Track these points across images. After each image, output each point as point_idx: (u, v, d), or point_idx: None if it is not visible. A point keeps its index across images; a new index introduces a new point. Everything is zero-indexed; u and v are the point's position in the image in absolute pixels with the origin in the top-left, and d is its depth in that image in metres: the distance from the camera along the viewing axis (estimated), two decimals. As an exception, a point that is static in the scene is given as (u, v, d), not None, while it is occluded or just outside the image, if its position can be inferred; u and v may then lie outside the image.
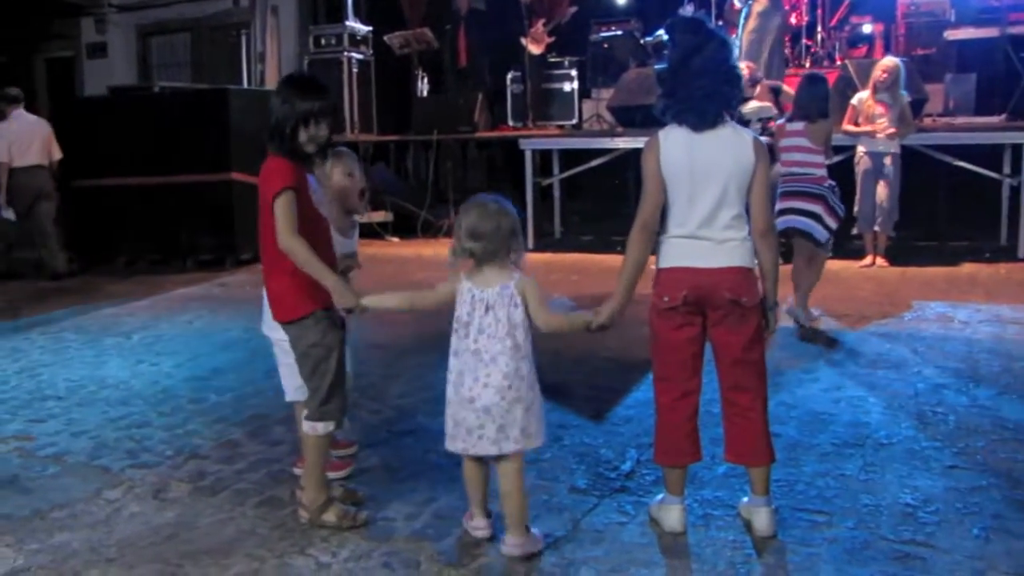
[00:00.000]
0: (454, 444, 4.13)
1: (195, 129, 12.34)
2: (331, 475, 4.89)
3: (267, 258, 4.40)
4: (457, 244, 4.09)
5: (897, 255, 11.20)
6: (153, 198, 12.57)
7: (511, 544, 4.13)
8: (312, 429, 4.46)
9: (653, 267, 4.29)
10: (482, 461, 4.19)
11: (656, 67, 4.24)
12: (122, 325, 9.14)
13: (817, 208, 7.99)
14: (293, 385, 4.79)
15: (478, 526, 4.30)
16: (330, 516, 4.49)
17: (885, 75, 10.65)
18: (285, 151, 4.31)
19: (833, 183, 8.19)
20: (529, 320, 4.09)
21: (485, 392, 4.01)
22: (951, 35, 13.87)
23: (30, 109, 12.93)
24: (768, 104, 11.07)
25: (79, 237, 13.43)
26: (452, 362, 4.13)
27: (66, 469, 5.35)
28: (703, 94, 4.12)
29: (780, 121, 8.92)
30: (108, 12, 21.77)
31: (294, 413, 4.98)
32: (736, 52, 12.48)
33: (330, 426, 4.48)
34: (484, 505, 4.29)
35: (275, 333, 4.69)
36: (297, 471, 5.06)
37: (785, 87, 11.77)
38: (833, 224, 8.03)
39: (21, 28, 20.81)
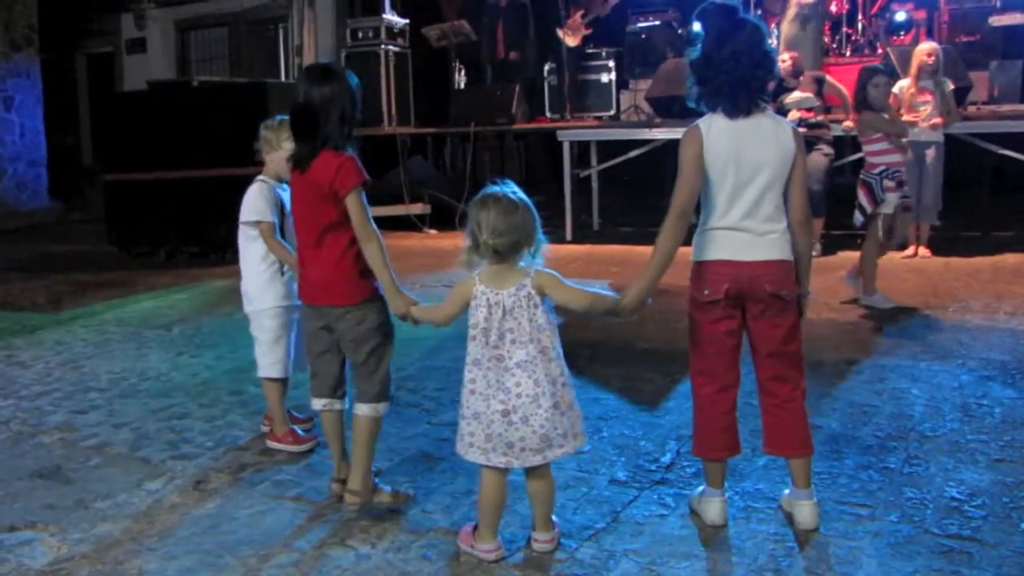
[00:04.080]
0: (493, 458, 3.94)
1: (234, 123, 12.35)
2: (296, 448, 5.31)
3: (320, 244, 4.50)
4: (477, 242, 3.90)
5: (941, 245, 11.08)
6: (192, 191, 12.60)
7: (543, 541, 4.10)
8: (373, 411, 4.59)
9: (691, 260, 4.25)
10: (507, 472, 4.04)
11: (689, 55, 4.17)
12: (162, 317, 9.18)
13: (859, 193, 8.46)
14: (267, 363, 5.43)
15: (488, 549, 4.06)
16: (383, 497, 4.63)
17: (932, 59, 10.51)
18: (347, 145, 4.46)
19: (886, 168, 8.41)
20: (553, 315, 3.99)
21: (520, 402, 3.88)
22: (996, 21, 13.69)
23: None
24: (810, 94, 10.98)
25: (119, 230, 13.50)
26: (473, 372, 3.98)
27: (108, 460, 5.38)
28: (736, 79, 4.05)
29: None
30: (147, 7, 21.93)
31: (264, 387, 5.55)
32: (775, 40, 12.48)
33: (387, 407, 4.65)
34: (497, 525, 4.10)
35: (253, 306, 5.39)
36: (273, 445, 5.43)
37: (829, 78, 11.67)
38: (868, 208, 8.43)
39: (63, 25, 20.96)
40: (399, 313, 4.39)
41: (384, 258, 4.38)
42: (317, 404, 4.79)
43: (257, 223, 5.26)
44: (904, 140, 8.53)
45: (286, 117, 4.96)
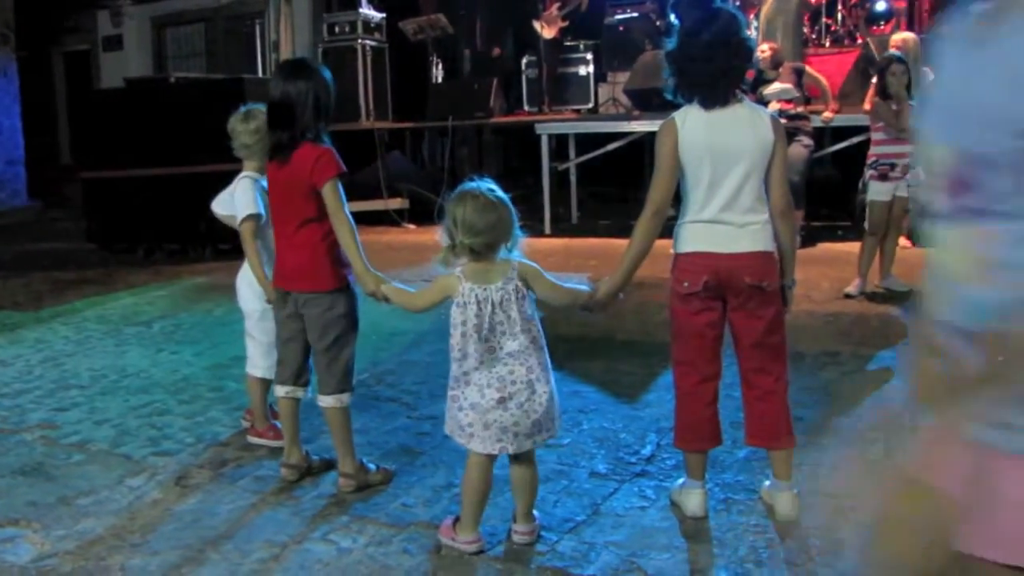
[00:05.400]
0: (486, 446, 3.94)
1: (211, 119, 12.25)
2: (277, 443, 5.26)
3: (297, 233, 4.64)
4: (452, 241, 3.90)
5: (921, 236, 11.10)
6: (171, 188, 12.56)
7: (524, 532, 4.12)
8: (338, 401, 4.69)
9: (671, 251, 4.26)
10: (493, 461, 4.05)
11: (665, 47, 4.18)
12: (142, 314, 9.16)
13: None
14: (265, 364, 5.29)
15: (469, 541, 4.07)
16: (374, 476, 4.81)
17: (897, 50, 10.49)
18: (324, 137, 4.62)
19: (877, 159, 8.71)
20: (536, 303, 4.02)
21: (515, 389, 3.89)
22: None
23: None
24: (790, 85, 10.98)
25: (98, 228, 13.46)
26: (463, 365, 3.95)
27: (90, 457, 5.37)
28: (712, 70, 4.05)
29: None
30: (123, 5, 21.85)
31: (249, 384, 5.48)
32: (750, 28, 12.48)
33: (350, 397, 4.74)
34: (480, 517, 4.11)
35: (252, 305, 5.30)
36: (254, 440, 5.46)
37: (808, 69, 11.68)
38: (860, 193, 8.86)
39: (39, 23, 20.87)
40: (369, 290, 4.44)
41: (356, 241, 4.49)
42: (280, 391, 4.88)
43: (248, 217, 5.18)
44: (903, 132, 8.56)
45: (248, 108, 5.23)
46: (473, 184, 3.97)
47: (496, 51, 16.02)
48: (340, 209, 4.50)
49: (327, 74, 4.69)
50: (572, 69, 15.53)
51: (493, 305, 3.90)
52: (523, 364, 3.91)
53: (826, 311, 8.10)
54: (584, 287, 4.18)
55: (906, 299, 8.34)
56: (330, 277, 4.62)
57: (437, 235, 4.01)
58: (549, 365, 4.03)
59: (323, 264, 4.61)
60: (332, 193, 4.49)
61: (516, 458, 4.04)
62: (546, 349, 4.03)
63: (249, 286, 5.32)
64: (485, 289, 3.91)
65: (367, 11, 15.69)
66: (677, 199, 4.26)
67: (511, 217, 3.94)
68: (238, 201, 5.23)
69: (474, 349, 3.93)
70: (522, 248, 4.00)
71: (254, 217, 5.14)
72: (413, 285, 4.31)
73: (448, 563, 4.00)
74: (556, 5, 15.30)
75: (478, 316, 3.91)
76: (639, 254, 4.19)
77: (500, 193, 3.95)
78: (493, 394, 3.90)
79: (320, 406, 4.73)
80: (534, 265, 3.99)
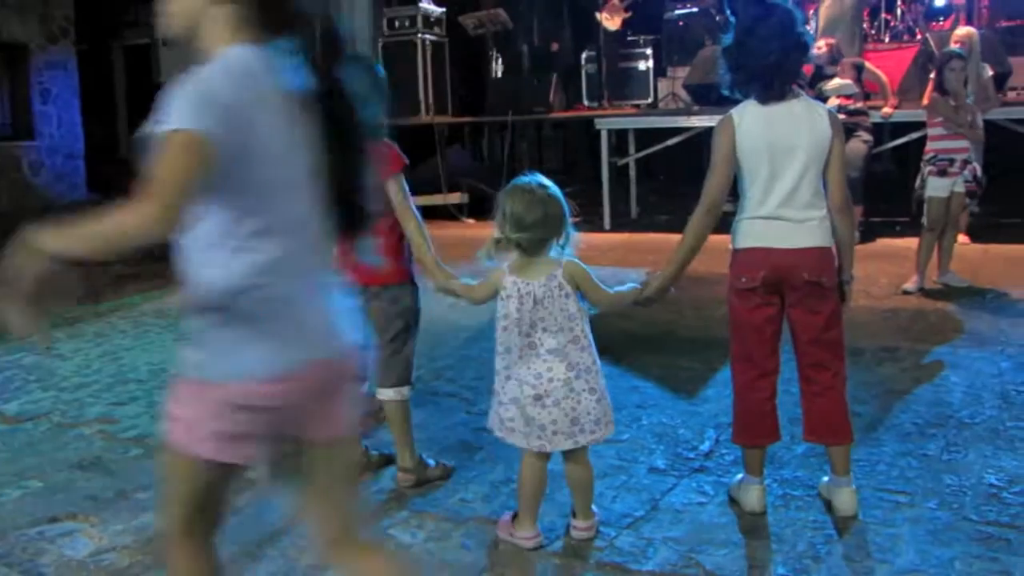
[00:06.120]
0: (528, 441, 3.97)
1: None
2: None
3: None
4: (501, 234, 3.91)
5: (980, 232, 11.02)
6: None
7: (583, 528, 4.13)
8: (399, 394, 4.73)
9: (729, 247, 4.26)
10: (547, 459, 4.07)
11: (722, 42, 4.17)
12: (201, 309, 9.20)
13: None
14: None
15: (528, 536, 4.08)
16: (434, 471, 4.82)
17: (960, 45, 10.39)
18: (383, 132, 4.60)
19: (935, 155, 8.64)
20: (585, 303, 4.01)
21: (552, 387, 3.89)
22: None
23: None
24: (849, 81, 10.89)
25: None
26: (506, 359, 4.02)
27: (148, 451, 5.41)
28: (769, 64, 4.04)
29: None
30: (184, -1, 21.96)
31: None
32: (812, 26, 12.40)
33: (410, 391, 4.78)
34: (536, 513, 4.11)
35: None
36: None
37: (868, 64, 11.59)
38: (918, 191, 8.75)
39: (99, 16, 21.05)
40: (439, 286, 4.40)
41: (424, 235, 4.49)
42: None
43: None
44: (961, 128, 8.49)
45: None
46: (526, 178, 3.97)
47: (555, 46, 15.99)
48: (406, 204, 4.50)
49: (380, 70, 4.69)
50: (632, 64, 15.44)
51: (535, 300, 3.90)
52: (563, 362, 3.92)
53: (884, 307, 8.05)
54: (630, 286, 4.16)
55: (964, 295, 8.27)
56: (397, 271, 4.64)
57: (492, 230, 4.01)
58: (597, 364, 4.02)
59: (392, 257, 4.62)
60: (397, 188, 4.48)
61: (569, 455, 4.04)
62: (593, 348, 4.01)
63: None
64: (528, 284, 3.92)
65: (427, 5, 15.68)
66: (735, 194, 4.25)
67: (563, 213, 3.93)
68: None
69: (515, 343, 3.96)
70: (578, 244, 3.99)
71: None
72: (475, 279, 4.32)
73: (506, 558, 4.02)
74: (617, -5, 15.20)
75: (519, 310, 3.92)
76: (691, 250, 4.20)
77: (553, 189, 3.94)
78: (529, 391, 3.92)
79: (380, 400, 4.74)
80: (583, 266, 3.97)
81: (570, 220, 3.97)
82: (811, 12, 12.99)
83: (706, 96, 12.89)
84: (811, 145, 4.06)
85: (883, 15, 14.86)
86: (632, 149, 14.03)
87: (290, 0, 2.55)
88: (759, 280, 4.12)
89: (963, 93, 8.59)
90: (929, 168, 8.47)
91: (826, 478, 4.42)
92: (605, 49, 15.31)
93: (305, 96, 2.50)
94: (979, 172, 8.59)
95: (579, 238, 4.01)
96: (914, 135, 11.32)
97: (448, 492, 4.67)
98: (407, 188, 4.52)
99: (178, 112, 2.29)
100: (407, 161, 4.56)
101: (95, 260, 2.31)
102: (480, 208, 14.25)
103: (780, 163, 4.06)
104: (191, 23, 2.58)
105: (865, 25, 14.14)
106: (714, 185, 4.16)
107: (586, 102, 15.66)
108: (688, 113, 13.23)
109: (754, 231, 4.16)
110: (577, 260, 3.97)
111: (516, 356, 3.97)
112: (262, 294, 2.44)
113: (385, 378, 4.71)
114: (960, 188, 8.43)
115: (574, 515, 4.16)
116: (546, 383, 3.90)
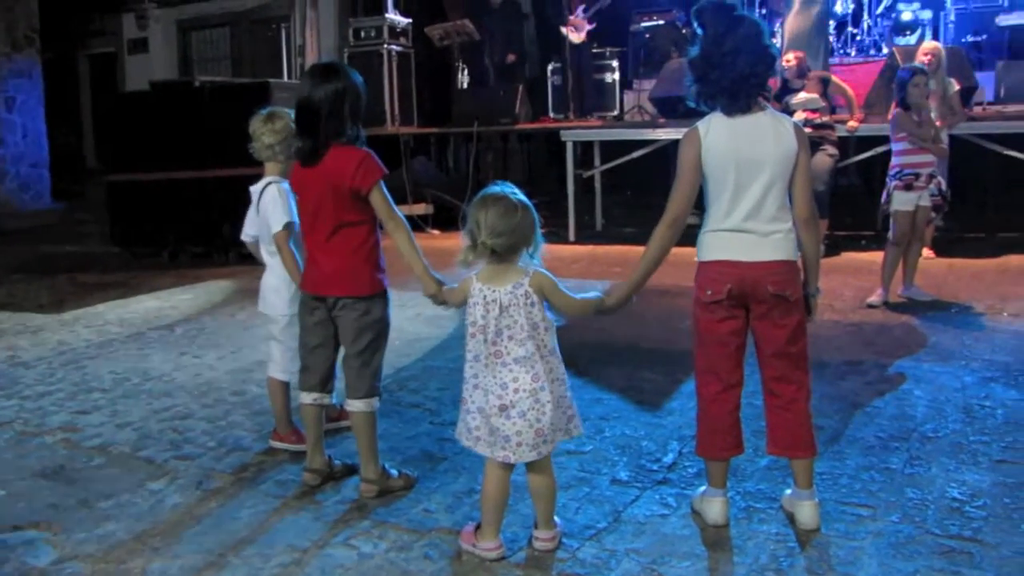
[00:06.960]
0: (492, 451, 3.98)
1: (236, 123, 12.27)
2: (299, 447, 5.27)
3: (332, 238, 4.61)
4: (474, 241, 3.92)
5: (944, 246, 11.07)
6: (195, 192, 12.61)
7: (545, 539, 4.11)
8: (367, 405, 4.70)
9: (695, 260, 4.26)
10: (510, 469, 4.07)
11: (688, 54, 4.19)
12: (165, 318, 9.18)
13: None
14: (293, 369, 5.17)
15: (490, 547, 4.06)
16: (396, 482, 4.79)
17: (928, 58, 10.41)
18: (360, 140, 4.63)
19: (900, 169, 8.64)
20: (552, 314, 4.01)
21: (518, 398, 3.90)
22: (1003, 21, 13.64)
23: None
24: (815, 95, 10.95)
25: (122, 231, 13.51)
26: (474, 367, 4.04)
27: (111, 460, 5.39)
28: (736, 76, 4.05)
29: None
30: (149, 7, 21.97)
31: (271, 388, 5.50)
32: (779, 39, 12.47)
33: (378, 402, 4.75)
34: (499, 524, 4.10)
35: (277, 311, 5.32)
36: (277, 445, 5.45)
37: (834, 78, 11.64)
38: (882, 205, 8.84)
39: (64, 25, 20.97)
40: (430, 292, 4.43)
41: (413, 244, 4.52)
42: (307, 398, 4.85)
43: (286, 225, 5.12)
44: (925, 143, 8.54)
45: (270, 109, 5.28)
46: (496, 188, 3.99)
47: (510, 57, 16.03)
48: (392, 211, 4.53)
49: (358, 77, 4.67)
50: (598, 76, 15.52)
51: (501, 307, 3.92)
52: (529, 372, 3.92)
53: (849, 321, 8.08)
54: (594, 294, 4.17)
55: (928, 309, 8.31)
56: (368, 282, 4.62)
57: (461, 240, 4.02)
58: (562, 374, 4.04)
59: (361, 269, 4.61)
60: (380, 196, 4.50)
61: (531, 465, 4.04)
62: (558, 357, 4.03)
63: (276, 292, 5.32)
64: (494, 291, 3.93)
65: (393, 16, 15.69)
66: (700, 207, 4.25)
67: (533, 221, 3.96)
68: (271, 210, 5.16)
69: (482, 351, 3.97)
70: (545, 254, 4.01)
71: (291, 225, 5.10)
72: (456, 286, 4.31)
73: (469, 569, 4.00)
74: (581, 7, 15.25)
75: (484, 317, 3.95)
76: (653, 262, 4.21)
77: (522, 197, 3.97)
78: (495, 400, 3.93)
79: (349, 412, 4.73)
80: (549, 275, 3.98)
81: (539, 228, 3.99)
82: (777, 25, 13.05)
83: (672, 109, 12.95)
84: (777, 158, 4.06)
85: (850, 29, 14.97)
86: (597, 161, 14.05)
87: None
88: (724, 293, 4.12)
89: (927, 108, 8.65)
90: (895, 182, 8.51)
91: (789, 491, 4.42)
92: (571, 61, 15.35)
93: None
94: (944, 186, 8.65)
95: (546, 247, 4.02)
96: (880, 149, 11.39)
97: (411, 503, 4.64)
98: (389, 195, 4.54)
99: None
100: (386, 169, 4.56)
101: None
102: (446, 219, 14.27)
103: (746, 176, 4.06)
104: None
105: (832, 39, 14.23)
106: (679, 197, 4.16)
107: (552, 114, 15.72)
108: (654, 126, 13.27)
109: (719, 244, 4.16)
110: (544, 270, 3.98)
111: (483, 364, 3.97)
112: None
113: (354, 390, 4.68)
114: (926, 202, 8.49)
115: (536, 526, 4.14)
116: (511, 393, 3.90)
